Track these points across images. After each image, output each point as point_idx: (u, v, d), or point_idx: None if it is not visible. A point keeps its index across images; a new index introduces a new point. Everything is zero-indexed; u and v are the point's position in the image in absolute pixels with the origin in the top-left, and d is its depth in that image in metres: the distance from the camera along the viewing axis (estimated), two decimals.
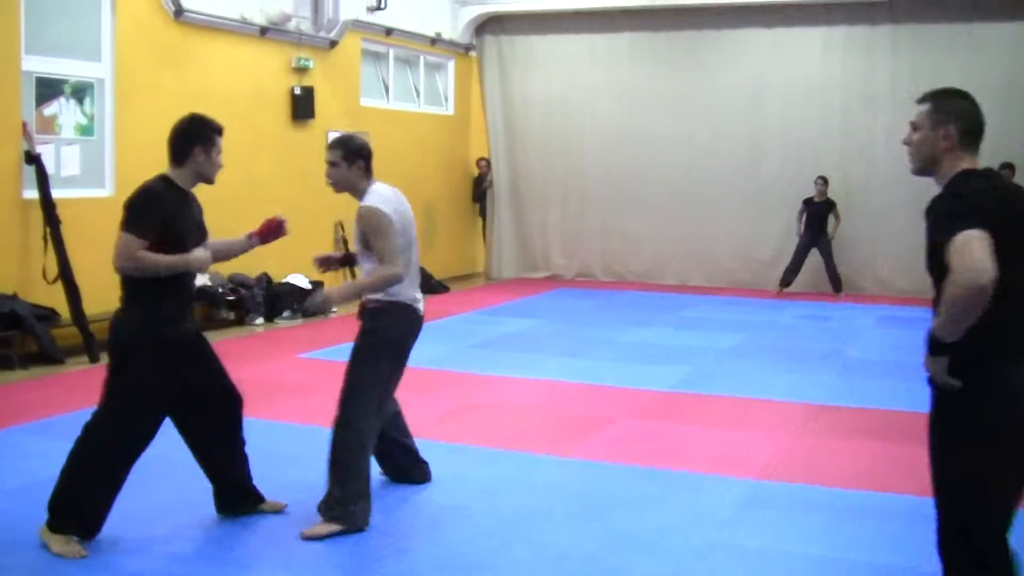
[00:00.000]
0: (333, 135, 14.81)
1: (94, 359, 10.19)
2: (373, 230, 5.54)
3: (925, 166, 3.77)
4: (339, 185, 5.80)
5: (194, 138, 5.42)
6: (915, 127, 3.75)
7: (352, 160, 5.71)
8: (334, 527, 5.49)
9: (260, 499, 5.86)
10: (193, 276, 5.58)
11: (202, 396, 5.54)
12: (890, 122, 16.10)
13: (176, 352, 5.32)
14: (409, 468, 6.39)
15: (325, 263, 6.16)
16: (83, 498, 5.24)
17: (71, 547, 5.14)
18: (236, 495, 5.80)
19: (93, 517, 5.27)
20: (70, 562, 5.08)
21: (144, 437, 5.34)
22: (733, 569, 5.16)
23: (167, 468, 6.15)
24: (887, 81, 16.27)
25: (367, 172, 5.76)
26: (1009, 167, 14.07)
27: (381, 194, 5.71)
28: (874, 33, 16.47)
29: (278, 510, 5.86)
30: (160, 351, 5.24)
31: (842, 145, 16.57)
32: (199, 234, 5.52)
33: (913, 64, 15.95)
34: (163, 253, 5.18)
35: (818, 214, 16.05)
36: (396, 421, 6.23)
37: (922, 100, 3.77)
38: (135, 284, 5.29)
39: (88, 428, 5.29)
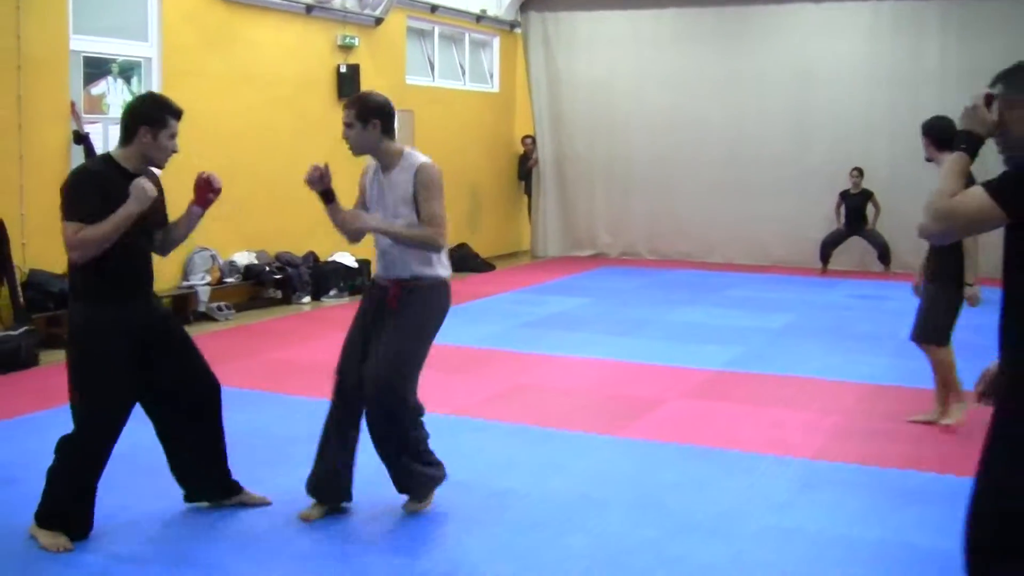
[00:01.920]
0: None
1: None
2: (430, 187, 5.32)
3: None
4: (357, 148, 5.47)
5: (141, 117, 5.06)
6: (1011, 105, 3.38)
7: (366, 119, 5.36)
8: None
9: (238, 490, 5.65)
10: (146, 258, 5.32)
11: (172, 384, 5.30)
12: (940, 99, 15.86)
13: (133, 339, 5.08)
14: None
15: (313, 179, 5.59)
16: (65, 502, 5.10)
17: (57, 540, 5.02)
18: (210, 487, 5.61)
19: (79, 519, 5.13)
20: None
21: (114, 430, 5.13)
22: (792, 553, 5.08)
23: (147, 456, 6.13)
24: (937, 58, 16.03)
25: (386, 133, 5.42)
26: None
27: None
28: (924, 8, 16.21)
29: (263, 504, 5.66)
30: (114, 339, 5.00)
31: (890, 124, 16.30)
32: (157, 218, 5.31)
33: (963, 41, 15.70)
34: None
35: (855, 206, 15.85)
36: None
37: (994, 82, 3.47)
38: (81, 274, 5.08)
39: (65, 436, 5.12)
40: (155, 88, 11.44)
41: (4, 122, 9.75)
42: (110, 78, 11.19)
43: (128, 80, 11.33)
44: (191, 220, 5.44)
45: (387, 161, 5.44)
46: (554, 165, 18.61)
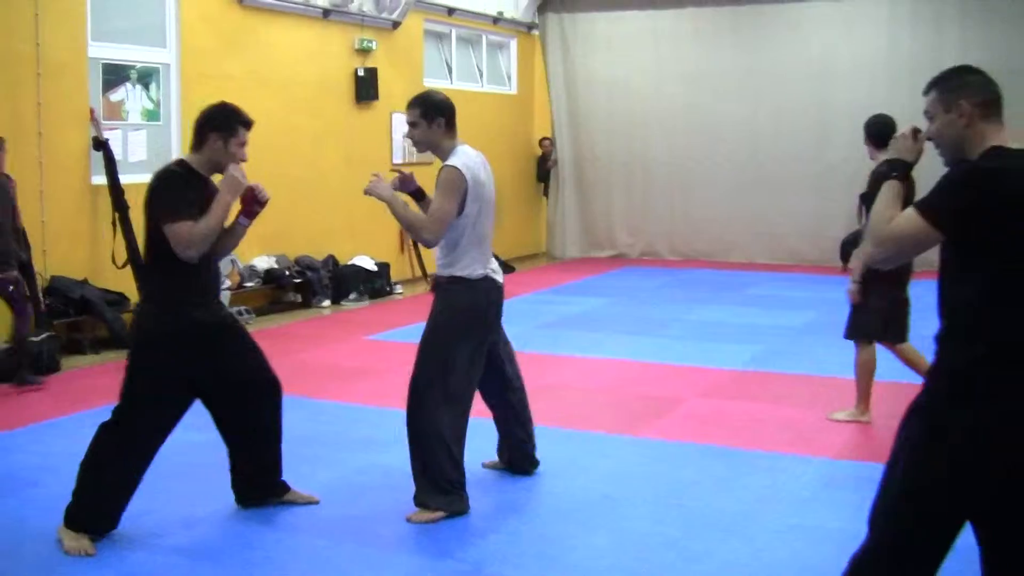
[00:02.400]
0: (397, 116, 14.81)
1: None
2: (441, 185, 5.42)
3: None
4: (422, 145, 5.67)
5: (213, 124, 5.23)
6: (928, 116, 3.58)
7: (432, 118, 5.53)
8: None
9: (286, 489, 5.72)
10: (214, 264, 5.43)
11: (237, 385, 5.39)
12: None
13: (200, 341, 5.15)
14: None
15: (404, 182, 5.87)
16: (100, 498, 5.16)
17: (80, 543, 5.05)
18: (264, 486, 5.67)
19: (109, 516, 5.19)
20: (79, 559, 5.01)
21: (162, 431, 5.22)
22: (814, 551, 5.06)
23: (185, 459, 6.15)
24: (956, 54, 15.93)
25: (449, 130, 5.59)
26: None
27: (467, 154, 5.58)
28: (942, 4, 16.13)
29: (310, 502, 5.72)
30: (181, 342, 5.09)
31: (911, 120, 16.15)
32: None
33: (983, 37, 15.62)
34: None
35: None
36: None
37: (927, 89, 3.60)
38: (153, 275, 5.20)
39: (105, 426, 5.19)
40: (173, 93, 11.49)
41: (24, 129, 9.80)
42: (128, 84, 11.23)
43: (147, 86, 11.38)
44: (238, 231, 5.50)
45: (444, 157, 5.59)
46: (573, 166, 18.59)
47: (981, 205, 3.18)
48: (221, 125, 5.22)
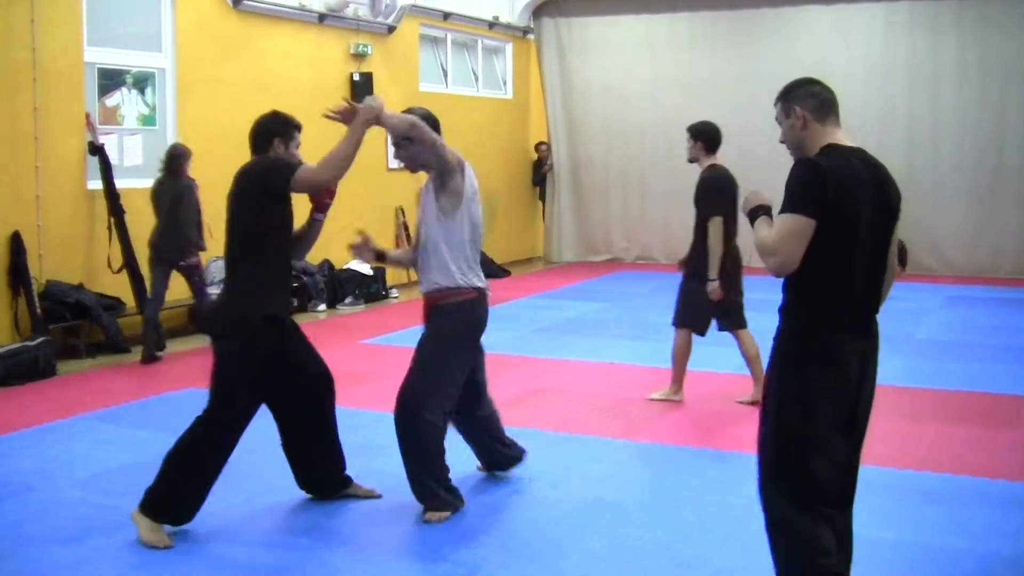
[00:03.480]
0: None
1: (159, 347, 10.28)
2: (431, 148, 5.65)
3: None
4: (411, 163, 5.87)
5: (274, 131, 5.58)
6: (778, 122, 4.17)
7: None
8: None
9: (348, 483, 5.87)
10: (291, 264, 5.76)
11: (305, 379, 5.67)
12: (957, 101, 15.91)
13: (284, 335, 5.47)
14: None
15: (358, 249, 6.07)
16: (189, 490, 5.29)
17: (158, 536, 5.16)
18: (328, 481, 5.85)
19: (192, 509, 5.32)
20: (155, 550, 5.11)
21: (244, 426, 5.39)
22: None
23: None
24: (953, 60, 15.98)
25: None
26: None
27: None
28: (939, 9, 16.15)
29: (371, 496, 5.87)
30: (272, 335, 5.35)
31: (907, 126, 16.30)
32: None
33: (980, 42, 15.68)
34: (277, 237, 5.47)
35: None
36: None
37: (777, 100, 4.20)
38: (245, 269, 5.38)
39: (201, 420, 5.31)
40: (169, 98, 11.50)
41: (21, 134, 9.81)
42: (124, 89, 11.24)
43: (142, 91, 11.39)
44: (315, 227, 5.84)
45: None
46: (569, 170, 18.61)
47: (824, 192, 3.79)
48: (281, 131, 5.60)
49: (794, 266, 3.82)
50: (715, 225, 7.90)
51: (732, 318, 8.07)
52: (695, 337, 8.12)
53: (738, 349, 8.13)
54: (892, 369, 9.20)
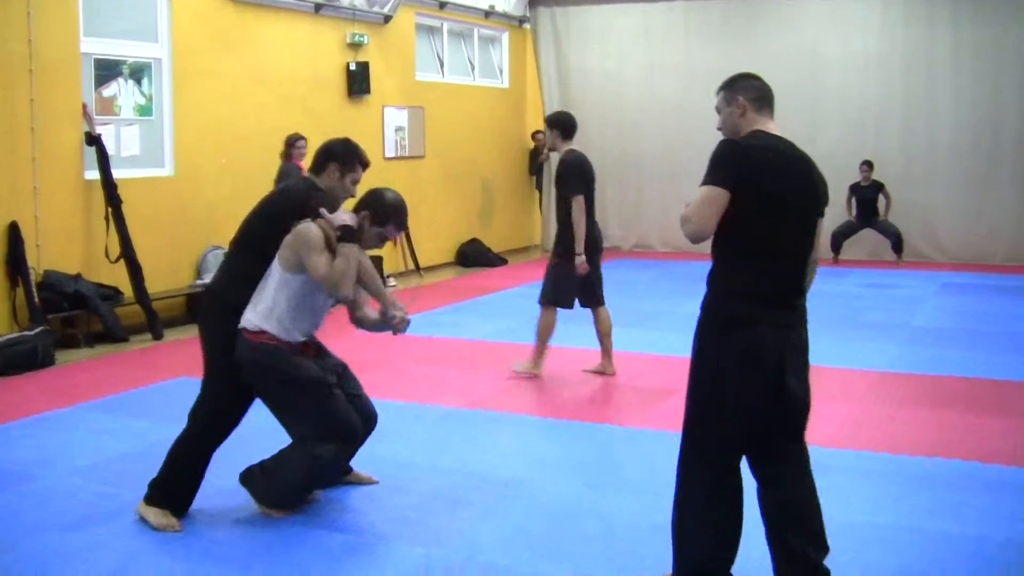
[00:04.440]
0: (390, 111, 14.87)
1: (157, 336, 10.31)
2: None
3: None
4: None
5: (334, 155, 5.47)
6: (718, 110, 4.42)
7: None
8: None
9: (348, 469, 5.88)
10: None
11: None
12: (952, 91, 15.93)
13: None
14: None
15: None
16: (193, 481, 5.39)
17: (168, 520, 5.25)
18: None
19: (190, 499, 5.41)
20: (158, 536, 5.17)
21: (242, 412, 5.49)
22: None
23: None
24: (949, 47, 15.99)
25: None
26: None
27: None
28: (934, 1, 16.17)
29: (370, 483, 5.90)
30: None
31: (903, 115, 16.31)
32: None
33: (975, 33, 15.70)
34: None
35: (866, 198, 15.92)
36: None
37: (719, 90, 4.42)
38: (244, 258, 5.46)
39: (207, 414, 5.39)
40: (166, 89, 11.50)
41: (17, 125, 9.82)
42: (121, 79, 11.25)
43: (139, 81, 11.40)
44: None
45: None
46: None
47: (740, 168, 4.05)
48: (343, 158, 5.46)
49: (706, 232, 4.07)
50: (578, 203, 8.47)
51: (593, 295, 8.61)
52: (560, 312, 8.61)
53: (593, 325, 8.71)
54: (887, 355, 9.30)
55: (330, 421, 5.28)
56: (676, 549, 4.33)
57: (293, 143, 11.81)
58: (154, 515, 5.27)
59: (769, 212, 4.08)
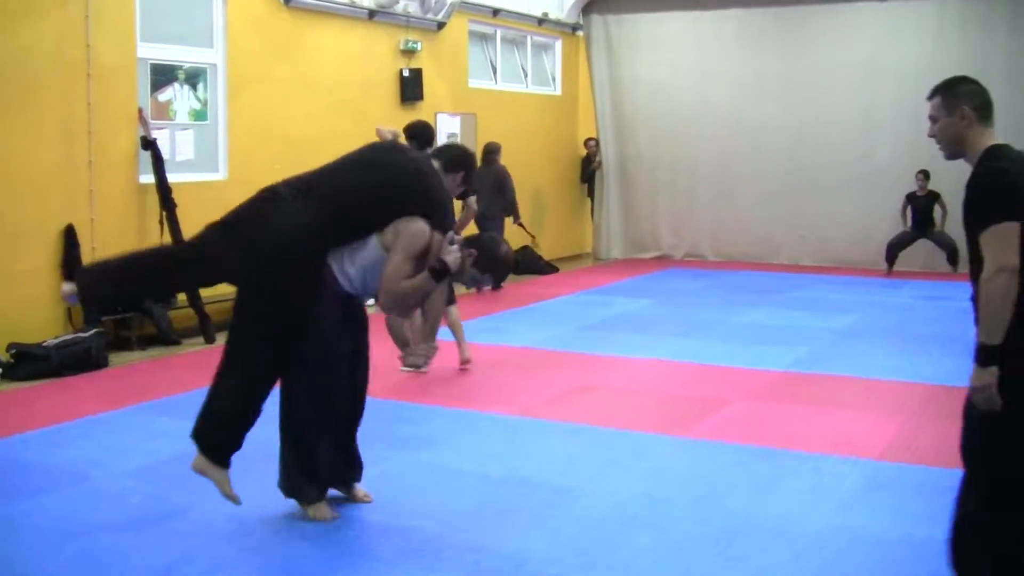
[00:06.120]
0: (442, 117, 14.88)
1: (209, 340, 10.37)
2: None
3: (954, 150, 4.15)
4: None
5: (466, 167, 5.91)
6: (933, 119, 4.14)
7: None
8: None
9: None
10: None
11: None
12: (1008, 99, 15.68)
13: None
14: None
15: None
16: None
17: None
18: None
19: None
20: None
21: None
22: (856, 554, 5.04)
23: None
24: (1005, 58, 15.78)
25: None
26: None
27: None
28: (991, 6, 15.95)
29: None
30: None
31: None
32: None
33: None
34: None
35: (922, 208, 15.72)
36: None
37: (932, 95, 4.18)
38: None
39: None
40: (220, 94, 11.58)
41: (75, 129, 9.92)
42: (176, 84, 11.34)
43: (194, 86, 11.48)
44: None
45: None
46: (617, 167, 18.56)
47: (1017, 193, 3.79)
48: (469, 171, 5.95)
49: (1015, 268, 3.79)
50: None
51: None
52: None
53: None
54: (944, 368, 9.17)
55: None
56: None
57: (498, 150, 14.65)
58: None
59: None
